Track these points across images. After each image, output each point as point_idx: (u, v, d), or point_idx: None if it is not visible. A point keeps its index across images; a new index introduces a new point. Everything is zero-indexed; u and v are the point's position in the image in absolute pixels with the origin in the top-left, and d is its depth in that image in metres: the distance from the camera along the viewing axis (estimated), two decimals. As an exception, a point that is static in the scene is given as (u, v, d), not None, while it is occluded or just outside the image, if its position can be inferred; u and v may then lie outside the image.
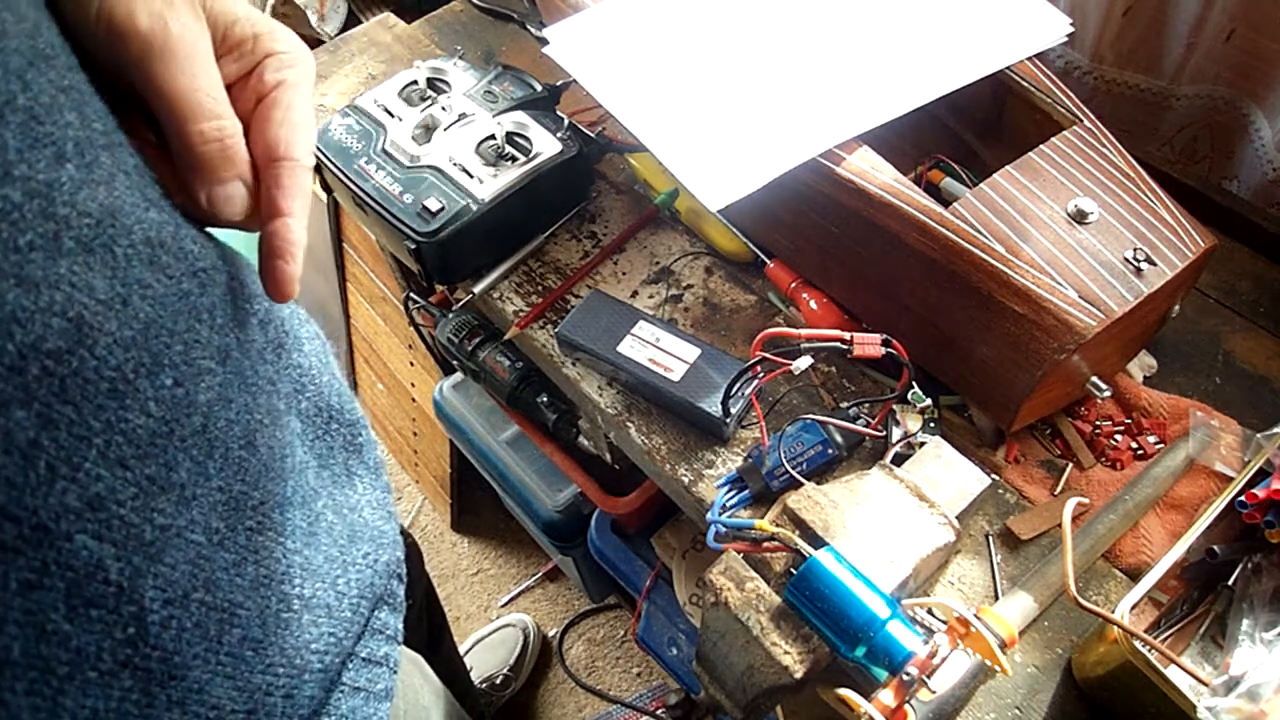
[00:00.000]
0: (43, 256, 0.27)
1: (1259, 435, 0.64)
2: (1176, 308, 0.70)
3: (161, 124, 0.35)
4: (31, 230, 0.27)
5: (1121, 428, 0.73)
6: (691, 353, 0.73)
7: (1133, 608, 0.56)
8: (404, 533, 0.99)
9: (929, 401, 0.68)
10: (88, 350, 0.29)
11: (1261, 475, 0.62)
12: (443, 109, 0.83)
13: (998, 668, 0.52)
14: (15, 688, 0.27)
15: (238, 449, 0.36)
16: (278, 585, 0.39)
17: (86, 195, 0.30)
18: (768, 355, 0.63)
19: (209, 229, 0.39)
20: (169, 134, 0.35)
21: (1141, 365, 0.76)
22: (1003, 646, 0.55)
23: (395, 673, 0.48)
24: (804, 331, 0.63)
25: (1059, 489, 0.70)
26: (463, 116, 0.82)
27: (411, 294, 1.05)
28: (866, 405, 0.71)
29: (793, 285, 0.79)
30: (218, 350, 0.36)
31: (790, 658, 0.55)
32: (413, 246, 0.77)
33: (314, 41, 1.52)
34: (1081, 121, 0.71)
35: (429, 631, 1.02)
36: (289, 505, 0.40)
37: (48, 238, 0.28)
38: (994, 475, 0.70)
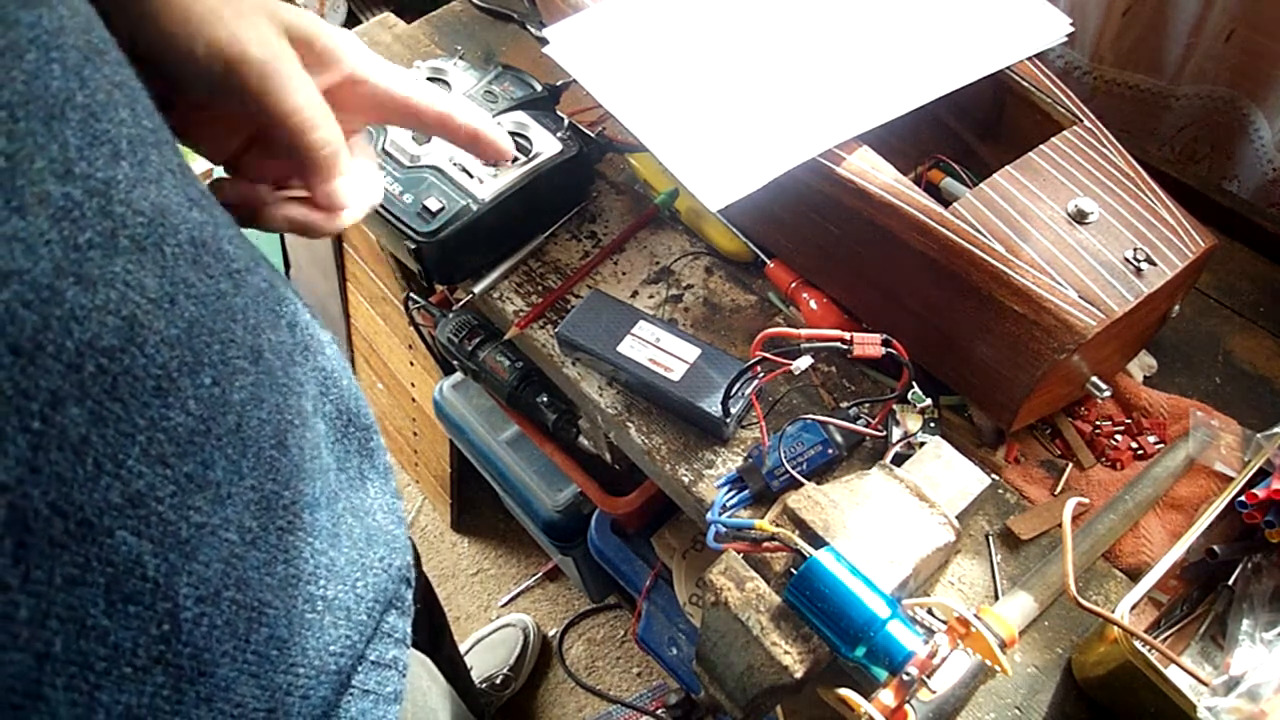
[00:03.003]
0: (100, 255, 0.28)
1: (1259, 435, 0.64)
2: (1176, 308, 0.70)
3: (285, 135, 0.42)
4: (91, 229, 0.28)
5: (1121, 428, 0.73)
6: (691, 353, 0.73)
7: (1133, 608, 0.56)
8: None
9: (929, 401, 0.68)
10: (138, 348, 0.29)
11: (1261, 475, 0.62)
12: (443, 109, 0.83)
13: (998, 668, 0.52)
14: (55, 683, 0.27)
15: (270, 448, 0.37)
16: (304, 585, 0.39)
17: (140, 194, 0.30)
18: (768, 355, 0.63)
19: (244, 231, 0.41)
20: (291, 144, 0.43)
21: (1141, 365, 0.76)
22: (1003, 646, 0.55)
23: (404, 676, 0.49)
24: (804, 331, 0.63)
25: (1059, 489, 0.70)
26: (463, 116, 0.82)
27: (411, 294, 1.05)
28: (866, 405, 0.71)
29: (793, 285, 0.79)
30: (250, 350, 0.36)
31: (790, 658, 0.55)
32: (413, 246, 0.77)
33: (314, 41, 1.51)
34: (1081, 121, 0.71)
35: (429, 631, 1.02)
36: (316, 506, 0.40)
37: (105, 236, 0.28)
38: (994, 475, 0.70)
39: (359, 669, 0.45)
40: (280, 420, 0.38)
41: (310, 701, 0.40)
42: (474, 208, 0.77)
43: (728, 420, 0.69)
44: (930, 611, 0.56)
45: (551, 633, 1.61)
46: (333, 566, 0.41)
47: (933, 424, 0.70)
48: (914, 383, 0.66)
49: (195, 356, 0.32)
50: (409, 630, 0.50)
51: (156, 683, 0.31)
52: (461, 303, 0.88)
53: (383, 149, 0.81)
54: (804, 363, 0.62)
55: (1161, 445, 0.72)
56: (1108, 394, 0.68)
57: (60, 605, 0.27)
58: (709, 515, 0.65)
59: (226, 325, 0.34)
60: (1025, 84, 0.74)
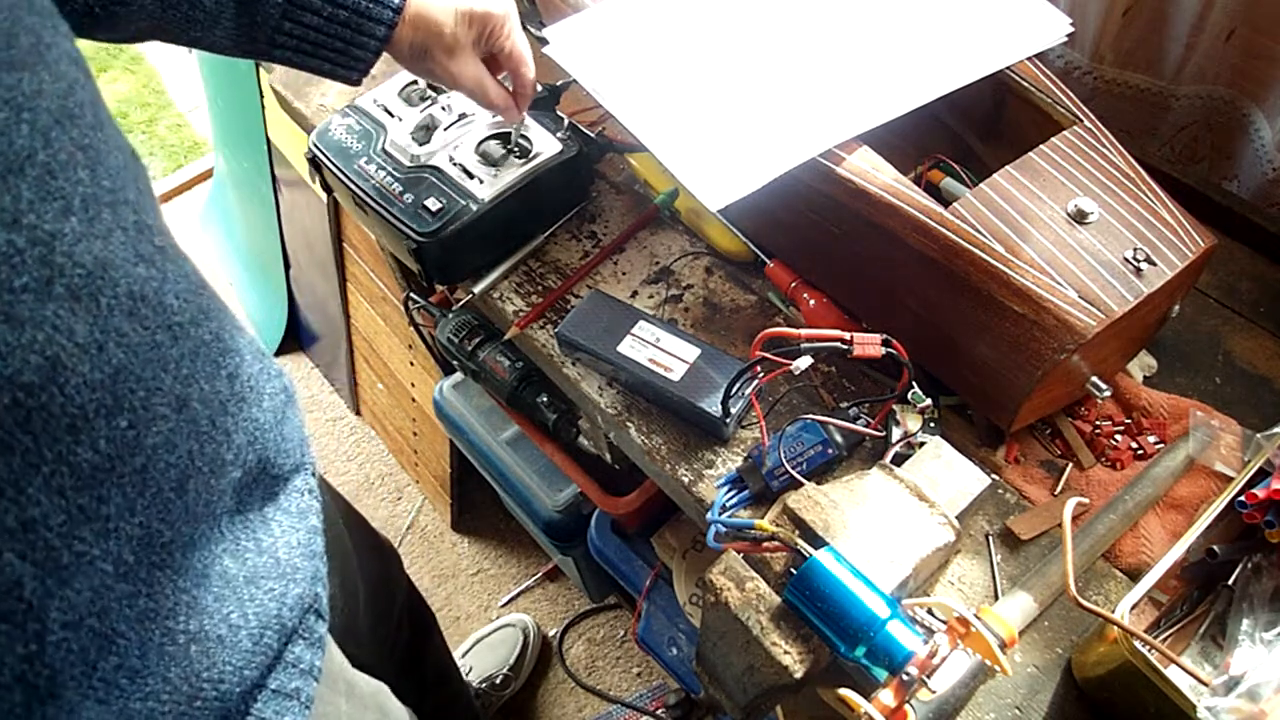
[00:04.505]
0: (32, 298, 0.30)
1: (1259, 435, 0.64)
2: (1176, 308, 0.70)
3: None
4: (28, 274, 0.29)
5: (1121, 428, 0.73)
6: (691, 353, 0.73)
7: (1133, 608, 0.56)
8: (383, 540, 0.99)
9: (929, 401, 0.68)
10: (58, 388, 0.31)
11: (1261, 475, 0.62)
12: (443, 109, 0.83)
13: (998, 668, 0.52)
14: None
15: (168, 490, 0.38)
16: (163, 620, 0.40)
17: (84, 248, 0.32)
18: (768, 355, 0.63)
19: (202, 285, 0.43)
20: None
21: (1141, 365, 0.76)
22: (1003, 646, 0.55)
23: (309, 707, 0.50)
24: (804, 331, 0.63)
25: (1059, 489, 0.70)
26: (462, 116, 0.82)
27: (411, 294, 1.05)
28: (866, 405, 0.71)
29: (793, 285, 0.79)
30: (176, 399, 0.38)
31: (790, 658, 0.55)
32: (413, 246, 0.77)
33: (314, 41, 1.51)
34: (1081, 121, 0.71)
35: (412, 635, 1.02)
36: (191, 547, 0.42)
37: (41, 282, 0.30)
38: (994, 475, 0.70)
39: (258, 697, 0.46)
40: (189, 466, 0.40)
41: None
42: (474, 208, 0.77)
43: (728, 420, 0.69)
44: (930, 611, 0.56)
45: (551, 633, 1.61)
46: (196, 604, 0.42)
47: (933, 424, 0.70)
48: (914, 383, 0.66)
49: (116, 400, 0.34)
50: (317, 663, 0.51)
51: (14, 701, 0.32)
52: (461, 303, 0.88)
53: (382, 149, 0.81)
54: (804, 363, 0.62)
55: (1161, 445, 0.72)
56: (1108, 394, 0.68)
57: None
58: (709, 515, 0.65)
59: (156, 374, 0.36)
60: (1025, 84, 0.74)
